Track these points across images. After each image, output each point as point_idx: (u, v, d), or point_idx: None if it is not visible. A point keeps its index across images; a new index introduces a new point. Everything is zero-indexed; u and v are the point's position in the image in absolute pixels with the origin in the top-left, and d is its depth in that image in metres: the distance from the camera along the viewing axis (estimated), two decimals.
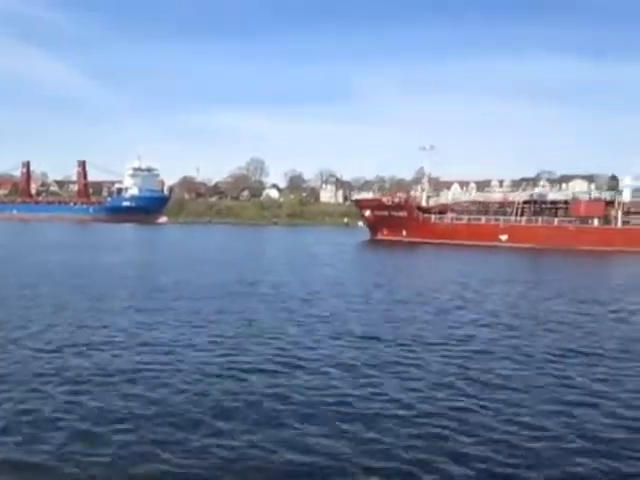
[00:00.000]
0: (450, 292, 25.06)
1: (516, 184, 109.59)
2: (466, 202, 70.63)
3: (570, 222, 62.50)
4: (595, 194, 63.71)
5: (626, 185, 63.58)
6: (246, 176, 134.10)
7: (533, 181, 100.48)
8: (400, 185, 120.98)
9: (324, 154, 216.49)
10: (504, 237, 63.74)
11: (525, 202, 65.84)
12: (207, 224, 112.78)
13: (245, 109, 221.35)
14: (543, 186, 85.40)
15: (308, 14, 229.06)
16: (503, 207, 67.23)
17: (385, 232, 70.56)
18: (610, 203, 62.08)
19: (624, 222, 61.18)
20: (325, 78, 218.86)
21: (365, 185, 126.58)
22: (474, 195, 72.42)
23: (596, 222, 61.67)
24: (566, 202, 63.60)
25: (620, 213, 61.16)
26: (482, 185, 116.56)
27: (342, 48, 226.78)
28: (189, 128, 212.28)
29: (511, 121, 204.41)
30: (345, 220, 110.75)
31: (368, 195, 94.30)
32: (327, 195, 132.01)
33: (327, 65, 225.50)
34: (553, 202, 65.03)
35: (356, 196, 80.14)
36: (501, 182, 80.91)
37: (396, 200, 71.29)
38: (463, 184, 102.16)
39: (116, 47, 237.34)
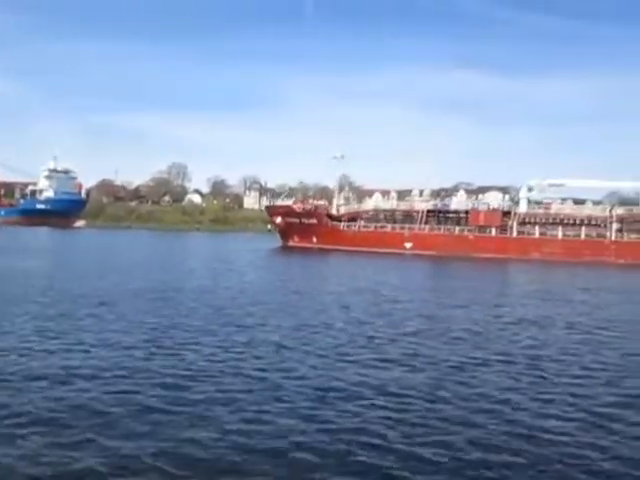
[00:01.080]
0: (355, 298, 25.12)
1: (435, 194, 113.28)
2: (375, 210, 72.26)
3: (470, 231, 65.28)
4: (493, 205, 66.59)
5: (522, 197, 66.84)
6: (168, 180, 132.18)
7: (451, 191, 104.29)
8: (324, 192, 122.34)
9: (249, 160, 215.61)
10: (409, 245, 65.79)
11: (429, 211, 68.31)
12: (126, 229, 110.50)
13: (168, 112, 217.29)
14: (461, 196, 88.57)
15: (237, 18, 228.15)
16: (410, 216, 69.29)
17: (296, 239, 71.30)
18: (507, 214, 65.22)
19: (519, 232, 64.43)
20: (251, 84, 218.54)
21: (289, 192, 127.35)
22: (382, 204, 74.14)
23: (493, 231, 64.66)
24: (466, 212, 66.30)
25: (515, 223, 64.37)
26: (403, 194, 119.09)
27: (270, 54, 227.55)
28: (109, 130, 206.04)
29: (433, 132, 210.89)
30: (268, 227, 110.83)
31: (290, 202, 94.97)
32: (251, 201, 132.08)
33: (254, 71, 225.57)
34: (455, 212, 67.68)
35: (266, 203, 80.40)
36: (421, 192, 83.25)
37: (306, 207, 72.28)
38: (385, 193, 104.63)
39: (37, 44, 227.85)
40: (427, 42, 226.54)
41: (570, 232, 63.43)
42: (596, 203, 70.70)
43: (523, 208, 65.88)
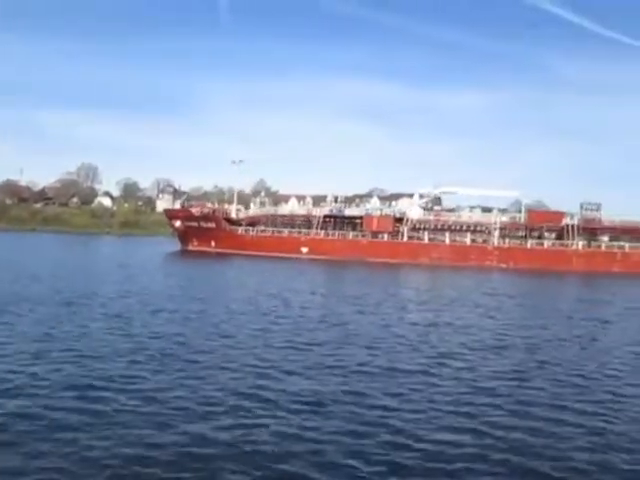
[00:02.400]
0: (247, 304, 25.36)
1: (349, 200, 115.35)
2: (274, 215, 72.77)
3: (363, 236, 66.93)
4: (386, 211, 68.54)
5: (414, 203, 69.18)
6: (76, 182, 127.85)
7: (366, 197, 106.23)
8: (239, 197, 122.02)
9: (162, 163, 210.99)
10: (305, 249, 66.65)
11: (326, 217, 69.45)
12: (31, 232, 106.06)
13: (79, 112, 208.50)
14: (374, 202, 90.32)
15: (153, 19, 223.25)
16: (308, 221, 70.20)
17: (195, 243, 70.81)
18: (400, 220, 67.26)
19: (410, 237, 66.60)
20: (167, 86, 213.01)
21: (204, 196, 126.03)
22: (281, 209, 74.71)
23: (386, 237, 66.56)
24: (361, 217, 67.88)
25: (406, 229, 66.50)
26: (318, 199, 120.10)
27: (185, 59, 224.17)
28: (12, 127, 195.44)
29: (349, 139, 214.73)
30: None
31: (208, 205, 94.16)
32: (164, 205, 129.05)
33: (169, 73, 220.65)
34: (350, 217, 69.16)
35: (164, 207, 79.30)
36: (336, 198, 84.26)
37: (205, 211, 71.91)
38: (300, 198, 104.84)
39: None
40: (344, 50, 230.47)
41: (457, 238, 66.17)
42: (502, 211, 73.70)
43: (415, 214, 68.10)
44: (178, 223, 72.29)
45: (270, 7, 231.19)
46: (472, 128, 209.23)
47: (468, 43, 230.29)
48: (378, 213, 68.14)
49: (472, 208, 75.02)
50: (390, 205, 75.62)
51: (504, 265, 62.97)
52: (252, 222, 71.45)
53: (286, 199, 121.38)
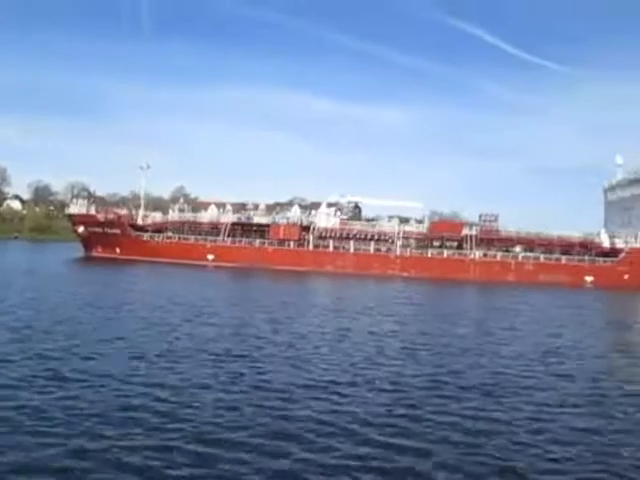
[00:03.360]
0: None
1: (270, 208, 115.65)
2: (181, 221, 71.91)
3: (270, 244, 67.18)
4: (293, 219, 69.11)
5: (321, 212, 70.08)
6: None
7: (287, 206, 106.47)
8: (157, 203, 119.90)
9: (78, 168, 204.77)
10: (211, 257, 66.23)
11: (233, 224, 69.32)
12: None
13: None
14: (295, 211, 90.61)
15: (72, 23, 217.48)
16: (216, 228, 69.76)
17: (99, 249, 69.04)
18: (306, 228, 67.96)
19: (315, 245, 67.39)
20: (83, 90, 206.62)
21: (120, 201, 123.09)
22: (187, 215, 73.92)
23: (292, 244, 67.07)
24: (268, 225, 68.14)
25: (312, 237, 67.26)
26: (239, 207, 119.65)
27: (102, 62, 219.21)
28: None
29: (272, 149, 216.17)
30: None
31: (122, 211, 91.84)
32: (78, 210, 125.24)
33: (87, 78, 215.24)
34: (257, 225, 69.26)
35: (68, 210, 76.79)
36: (256, 205, 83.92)
37: (109, 216, 70.26)
38: (220, 205, 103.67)
39: None
40: (267, 60, 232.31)
41: (361, 247, 67.48)
42: (418, 221, 75.28)
43: (322, 223, 68.99)
44: (81, 229, 70.26)
45: (193, 17, 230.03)
46: (394, 143, 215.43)
47: (394, 61, 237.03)
48: (285, 221, 68.55)
49: (390, 218, 76.63)
50: (310, 214, 76.07)
51: (405, 274, 64.69)
52: (159, 228, 70.33)
53: (206, 206, 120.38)
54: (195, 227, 71.02)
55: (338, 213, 76.61)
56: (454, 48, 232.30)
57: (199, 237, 68.70)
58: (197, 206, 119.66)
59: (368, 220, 75.30)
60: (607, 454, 10.12)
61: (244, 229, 69.75)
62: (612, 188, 75.47)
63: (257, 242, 67.68)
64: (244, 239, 68.25)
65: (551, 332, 25.53)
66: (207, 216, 72.20)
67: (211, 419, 10.89)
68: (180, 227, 70.77)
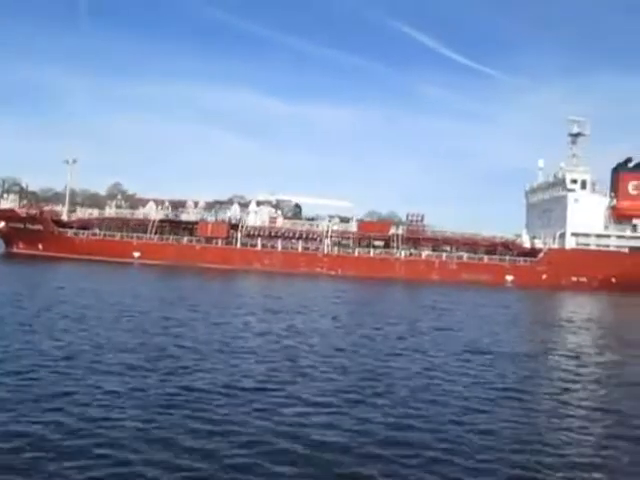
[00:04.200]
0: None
1: (210, 206, 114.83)
2: (109, 218, 70.58)
3: (198, 242, 66.77)
4: (221, 217, 68.89)
5: (251, 210, 70.13)
6: None
7: (227, 204, 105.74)
8: (93, 199, 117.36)
9: (9, 162, 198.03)
10: (137, 254, 65.33)
11: (161, 221, 68.60)
12: None
13: None
14: (234, 209, 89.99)
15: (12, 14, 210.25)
16: (143, 225, 68.81)
17: (21, 245, 67.16)
18: (235, 226, 67.86)
19: (243, 243, 67.37)
20: (12, 82, 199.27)
21: (54, 197, 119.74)
22: (113, 212, 72.64)
23: (220, 242, 66.84)
24: (196, 223, 67.71)
25: (240, 235, 67.22)
26: (178, 205, 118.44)
27: (45, 57, 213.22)
28: None
29: (214, 146, 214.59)
30: None
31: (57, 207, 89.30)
32: (9, 205, 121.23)
33: (24, 71, 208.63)
34: (186, 222, 68.73)
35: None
36: (196, 203, 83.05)
37: (31, 212, 68.42)
38: (159, 202, 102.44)
39: None
40: (213, 57, 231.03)
41: (289, 245, 67.84)
42: (345, 220, 75.99)
43: (252, 221, 69.05)
44: (1, 224, 68.12)
45: (136, 12, 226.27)
46: (337, 142, 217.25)
47: (338, 61, 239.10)
48: (213, 219, 68.28)
49: (331, 218, 77.14)
50: (248, 212, 75.67)
51: (333, 272, 65.44)
52: (84, 225, 68.86)
53: (144, 203, 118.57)
54: (122, 224, 69.83)
55: (279, 212, 76.90)
56: (398, 52, 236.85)
57: (125, 234, 67.59)
58: (135, 203, 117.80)
59: (308, 219, 75.82)
60: (523, 452, 10.29)
61: (172, 226, 69.08)
62: (533, 191, 78.31)
63: (185, 240, 67.13)
64: (172, 236, 67.59)
65: (479, 331, 25.78)
66: (136, 213, 71.10)
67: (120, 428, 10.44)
68: (107, 224, 69.43)
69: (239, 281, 54.13)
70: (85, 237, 66.55)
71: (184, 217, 68.96)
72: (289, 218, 77.52)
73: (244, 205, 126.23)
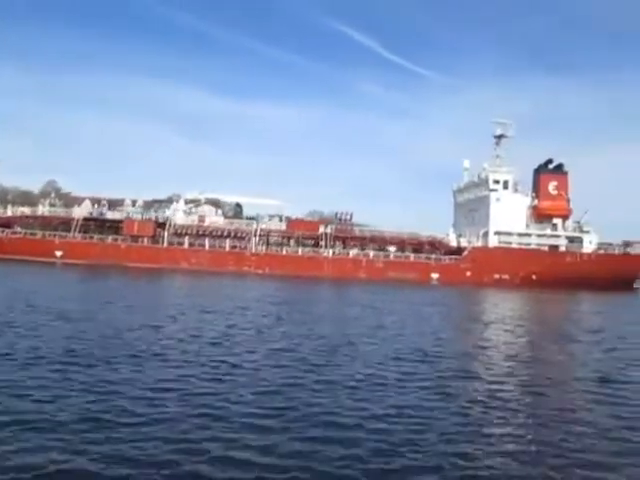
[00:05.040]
0: None
1: (149, 204, 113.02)
2: (32, 216, 68.80)
3: (124, 240, 65.80)
4: (148, 215, 68.13)
5: (178, 208, 69.58)
6: None
7: (166, 202, 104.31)
8: (25, 197, 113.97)
9: None
10: (59, 253, 63.93)
11: (86, 219, 67.31)
12: None
13: None
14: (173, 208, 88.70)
15: None
16: (67, 223, 67.39)
17: None
18: (162, 224, 67.17)
19: (170, 242, 66.77)
20: None
21: None
22: (47, 210, 70.41)
23: (146, 241, 66.07)
24: (121, 221, 66.71)
25: (167, 234, 66.59)
26: (116, 203, 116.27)
27: None
28: None
29: (151, 143, 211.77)
30: None
31: None
32: None
33: None
34: (111, 221, 67.64)
35: None
36: (134, 202, 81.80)
37: None
38: (95, 201, 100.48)
39: None
40: (152, 52, 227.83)
41: (217, 244, 67.63)
42: (271, 217, 75.58)
43: (179, 219, 68.50)
44: None
45: (74, 7, 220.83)
46: (278, 141, 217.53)
47: (277, 58, 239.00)
48: (139, 217, 67.44)
49: (271, 217, 77.06)
50: (192, 212, 74.82)
51: (261, 271, 65.63)
52: (6, 223, 66.94)
53: (80, 202, 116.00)
54: (45, 222, 68.22)
55: (219, 211, 76.49)
56: (338, 51, 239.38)
57: (48, 233, 66.05)
58: (71, 201, 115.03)
59: (248, 218, 75.76)
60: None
61: (97, 225, 67.91)
62: (460, 191, 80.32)
63: (109, 238, 66.06)
64: (96, 235, 66.44)
65: (415, 330, 25.79)
66: (59, 211, 69.54)
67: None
68: (30, 222, 67.72)
69: (164, 281, 53.47)
70: (5, 235, 64.69)
71: (109, 215, 67.83)
72: (230, 217, 77.38)
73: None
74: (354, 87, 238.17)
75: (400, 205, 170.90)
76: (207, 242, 67.10)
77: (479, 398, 13.63)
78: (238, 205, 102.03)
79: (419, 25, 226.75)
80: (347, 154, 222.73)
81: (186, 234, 67.63)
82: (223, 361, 16.03)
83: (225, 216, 76.23)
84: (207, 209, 76.11)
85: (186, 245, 66.94)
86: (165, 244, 66.49)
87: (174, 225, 67.43)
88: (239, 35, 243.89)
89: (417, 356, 18.59)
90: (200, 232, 67.95)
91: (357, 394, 13.34)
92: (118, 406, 11.23)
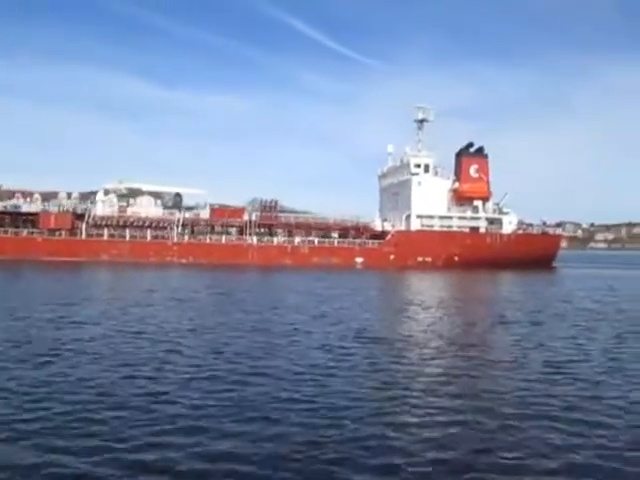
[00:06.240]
0: None
1: (84, 196, 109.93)
2: None
3: (40, 234, 64.14)
4: (66, 207, 66.51)
5: (98, 199, 68.23)
6: None
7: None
8: None
9: None
10: None
11: (0, 213, 65.33)
12: None
13: None
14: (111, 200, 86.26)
15: None
16: None
17: None
18: (80, 216, 65.75)
19: (89, 234, 65.48)
20: None
21: None
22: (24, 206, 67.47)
23: (64, 234, 64.60)
24: (37, 214, 65.00)
25: (85, 226, 65.23)
26: (49, 196, 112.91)
27: None
28: None
29: (88, 132, 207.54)
30: None
31: None
32: None
33: None
34: (27, 214, 65.78)
35: None
36: (69, 194, 79.61)
37: None
38: (27, 194, 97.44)
39: None
40: (91, 42, 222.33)
41: (138, 234, 66.68)
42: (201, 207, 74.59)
43: (99, 211, 67.18)
44: None
45: None
46: (221, 130, 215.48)
47: (225, 48, 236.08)
48: (56, 209, 65.87)
49: (212, 206, 75.37)
50: (129, 203, 72.79)
51: (184, 260, 65.25)
52: None
53: (10, 195, 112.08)
54: None
55: (158, 202, 75.05)
56: (279, 39, 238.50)
57: None
58: (2, 195, 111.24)
59: (188, 208, 74.65)
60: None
61: (13, 219, 65.92)
62: (384, 175, 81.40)
63: (25, 232, 64.32)
64: (11, 229, 64.56)
65: (339, 313, 25.84)
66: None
67: None
68: None
69: (85, 273, 52.20)
70: None
71: (25, 208, 65.90)
72: (169, 208, 76.09)
73: (121, 196, 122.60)
74: (295, 75, 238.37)
75: (337, 191, 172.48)
76: (128, 233, 66.10)
77: (415, 380, 14.06)
78: (178, 195, 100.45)
79: (362, 14, 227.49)
80: (287, 141, 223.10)
81: (106, 225, 66.42)
82: (155, 357, 15.74)
83: (165, 206, 75.04)
84: (146, 200, 74.67)
85: (106, 236, 65.80)
86: (84, 236, 65.17)
87: (93, 216, 66.08)
88: (180, 23, 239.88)
89: (352, 342, 18.76)
90: (121, 223, 66.83)
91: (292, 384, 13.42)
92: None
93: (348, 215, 75.24)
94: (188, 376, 13.78)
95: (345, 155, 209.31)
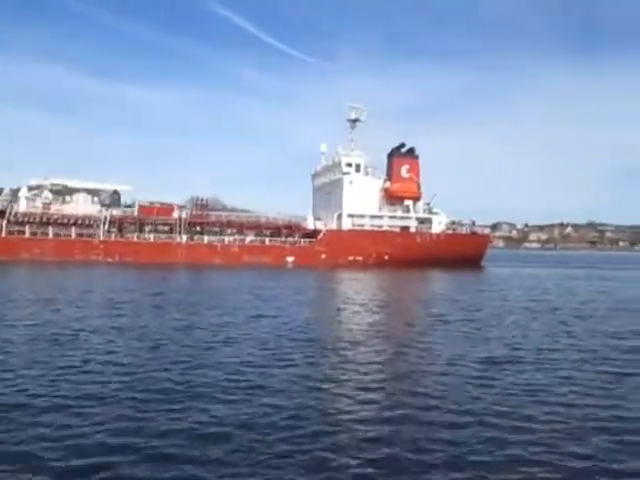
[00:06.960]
0: None
1: (15, 193, 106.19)
2: None
3: None
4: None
5: (20, 195, 66.12)
6: None
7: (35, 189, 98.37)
8: None
9: None
10: None
11: None
12: None
13: None
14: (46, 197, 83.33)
15: None
16: None
17: None
18: (1, 213, 63.50)
19: (10, 232, 63.33)
20: None
21: None
22: None
23: None
24: None
25: (6, 223, 63.04)
26: None
27: None
28: None
29: (21, 126, 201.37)
30: None
31: None
32: None
33: None
34: None
35: None
36: (0, 190, 76.61)
37: None
38: None
39: None
40: (24, 33, 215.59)
41: (63, 232, 64.94)
42: (128, 205, 73.13)
43: (22, 207, 65.07)
44: None
45: None
46: (161, 125, 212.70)
47: (166, 43, 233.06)
48: None
49: (151, 204, 73.87)
50: (64, 200, 70.55)
51: (110, 259, 63.98)
52: None
53: None
54: None
55: (96, 199, 73.14)
56: (219, 35, 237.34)
57: None
58: None
59: (126, 206, 73.18)
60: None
61: None
62: (317, 174, 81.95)
63: None
64: None
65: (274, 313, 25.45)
66: None
67: None
68: None
69: (4, 273, 50.29)
70: None
71: None
72: (107, 205, 74.37)
73: (56, 192, 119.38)
74: (237, 72, 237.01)
75: (277, 189, 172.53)
76: (51, 230, 64.28)
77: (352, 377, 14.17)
78: (116, 192, 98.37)
79: (304, 13, 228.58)
80: (228, 138, 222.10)
81: (29, 222, 64.36)
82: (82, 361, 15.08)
83: (102, 204, 73.36)
84: (82, 198, 72.73)
85: (27, 234, 63.78)
86: (3, 234, 62.97)
87: (15, 213, 63.94)
88: (117, 16, 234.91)
89: (287, 342, 18.56)
90: (45, 220, 64.88)
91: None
92: None
93: (285, 214, 75.55)
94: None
95: (283, 153, 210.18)
